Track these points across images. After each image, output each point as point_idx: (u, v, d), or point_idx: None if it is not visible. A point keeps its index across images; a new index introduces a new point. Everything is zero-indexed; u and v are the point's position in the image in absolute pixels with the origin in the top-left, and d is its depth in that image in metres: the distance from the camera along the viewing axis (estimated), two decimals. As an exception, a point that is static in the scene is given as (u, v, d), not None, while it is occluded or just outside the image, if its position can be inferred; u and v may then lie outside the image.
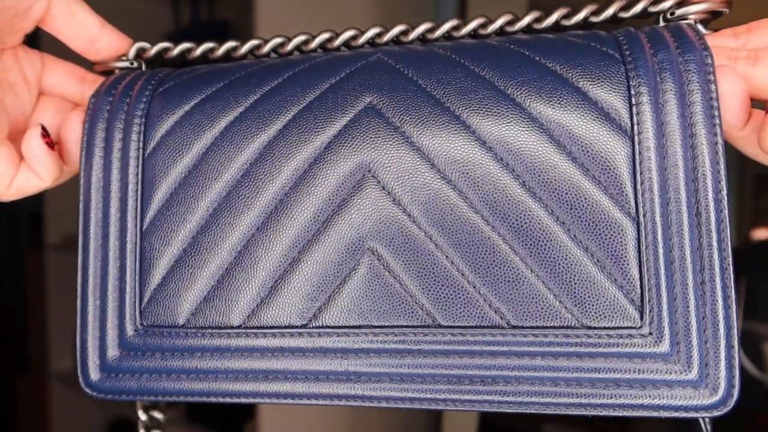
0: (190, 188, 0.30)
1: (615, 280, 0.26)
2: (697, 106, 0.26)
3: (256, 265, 0.29)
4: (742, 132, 0.27)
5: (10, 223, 1.60)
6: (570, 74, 0.27)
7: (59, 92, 0.35)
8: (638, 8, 0.29)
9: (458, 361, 0.27)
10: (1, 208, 1.49)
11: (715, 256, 0.25)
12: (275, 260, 0.29)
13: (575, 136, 0.26)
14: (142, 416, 0.36)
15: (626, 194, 0.26)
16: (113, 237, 0.31)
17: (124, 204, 0.31)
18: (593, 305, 0.26)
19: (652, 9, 0.29)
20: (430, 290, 0.27)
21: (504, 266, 0.27)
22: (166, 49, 0.35)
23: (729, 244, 0.25)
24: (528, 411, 0.26)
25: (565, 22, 0.31)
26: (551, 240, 0.26)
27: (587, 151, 0.26)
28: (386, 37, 0.32)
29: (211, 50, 0.35)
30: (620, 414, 0.25)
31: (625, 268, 0.26)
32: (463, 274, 0.27)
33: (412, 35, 0.32)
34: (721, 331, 0.25)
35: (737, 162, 0.89)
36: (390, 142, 0.28)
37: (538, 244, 0.26)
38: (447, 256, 0.27)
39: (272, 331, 0.29)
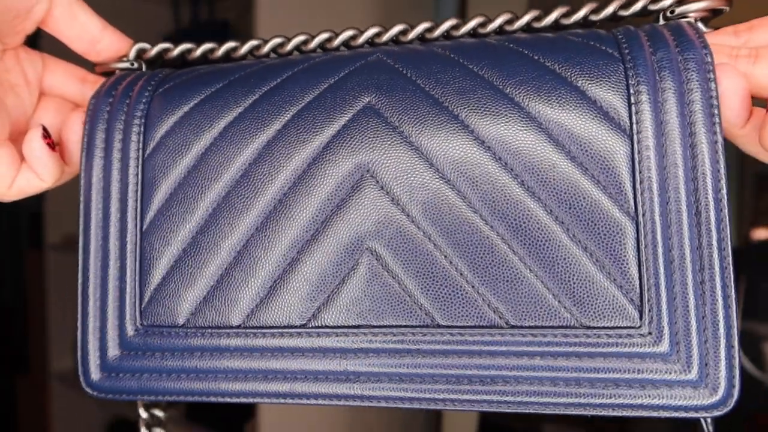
0: (190, 188, 0.30)
1: (614, 279, 0.26)
2: (697, 104, 0.25)
3: (255, 265, 0.29)
4: (742, 130, 0.27)
5: (10, 223, 1.60)
6: (569, 73, 0.27)
7: (60, 93, 0.35)
8: (638, 6, 0.29)
9: (457, 361, 0.27)
10: (1, 208, 1.49)
11: (715, 255, 0.25)
12: (274, 260, 0.29)
13: (574, 135, 0.26)
14: (144, 414, 0.37)
15: (625, 193, 0.26)
16: (113, 237, 0.31)
17: (124, 204, 0.31)
18: (592, 305, 0.26)
19: (652, 7, 0.29)
20: (429, 290, 0.27)
21: (503, 266, 0.27)
22: (166, 50, 0.35)
23: (729, 243, 0.25)
24: (527, 411, 0.26)
25: (565, 21, 0.31)
26: (550, 239, 0.26)
27: (586, 151, 0.26)
28: (385, 37, 0.32)
29: (211, 51, 0.35)
30: (620, 414, 0.25)
31: (625, 267, 0.26)
32: (461, 274, 0.27)
33: (412, 35, 0.32)
34: (721, 330, 0.25)
35: (737, 161, 0.88)
36: (389, 142, 0.28)
37: (537, 244, 0.26)
38: (446, 256, 0.27)
39: (271, 331, 0.29)
